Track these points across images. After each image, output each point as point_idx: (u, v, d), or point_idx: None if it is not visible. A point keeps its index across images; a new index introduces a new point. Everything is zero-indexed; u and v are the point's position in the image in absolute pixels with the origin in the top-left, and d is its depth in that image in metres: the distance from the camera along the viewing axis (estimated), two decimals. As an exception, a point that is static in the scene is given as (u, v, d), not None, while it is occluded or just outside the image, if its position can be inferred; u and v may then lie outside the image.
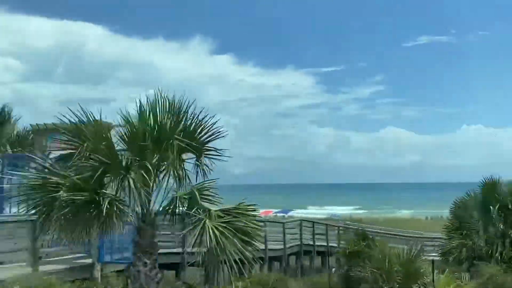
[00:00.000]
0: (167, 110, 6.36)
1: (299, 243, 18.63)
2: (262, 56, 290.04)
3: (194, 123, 6.39)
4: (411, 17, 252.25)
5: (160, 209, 6.54)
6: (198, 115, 6.37)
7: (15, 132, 16.49)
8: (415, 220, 45.46)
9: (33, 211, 6.12)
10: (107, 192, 5.94)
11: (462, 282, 11.34)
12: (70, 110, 6.09)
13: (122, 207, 5.99)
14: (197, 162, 6.54)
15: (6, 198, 10.66)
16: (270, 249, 15.86)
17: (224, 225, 6.12)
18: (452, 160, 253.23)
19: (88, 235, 6.26)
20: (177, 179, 6.39)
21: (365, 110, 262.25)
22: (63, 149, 6.35)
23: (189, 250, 9.58)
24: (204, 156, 6.53)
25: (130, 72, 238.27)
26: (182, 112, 6.35)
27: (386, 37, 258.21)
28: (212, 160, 6.57)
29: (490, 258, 12.42)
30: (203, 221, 6.08)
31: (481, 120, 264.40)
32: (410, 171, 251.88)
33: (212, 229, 5.96)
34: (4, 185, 10.83)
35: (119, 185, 5.99)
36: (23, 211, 6.47)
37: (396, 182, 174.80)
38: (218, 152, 6.55)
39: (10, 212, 10.32)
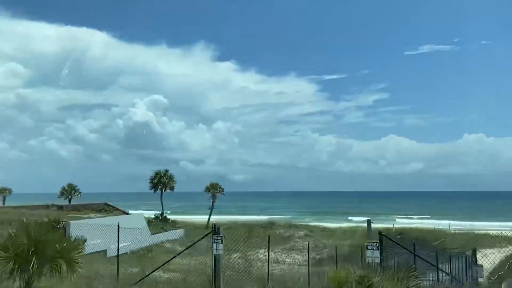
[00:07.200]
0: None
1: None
2: (265, 63, 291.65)
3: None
4: (413, 26, 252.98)
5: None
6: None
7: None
8: None
9: None
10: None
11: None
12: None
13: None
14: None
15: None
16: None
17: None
18: (453, 168, 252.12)
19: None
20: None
21: (367, 118, 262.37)
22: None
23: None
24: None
25: (134, 77, 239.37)
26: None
27: (389, 46, 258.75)
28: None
29: None
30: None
31: (483, 129, 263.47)
32: (411, 180, 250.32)
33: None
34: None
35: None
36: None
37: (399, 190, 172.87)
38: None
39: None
